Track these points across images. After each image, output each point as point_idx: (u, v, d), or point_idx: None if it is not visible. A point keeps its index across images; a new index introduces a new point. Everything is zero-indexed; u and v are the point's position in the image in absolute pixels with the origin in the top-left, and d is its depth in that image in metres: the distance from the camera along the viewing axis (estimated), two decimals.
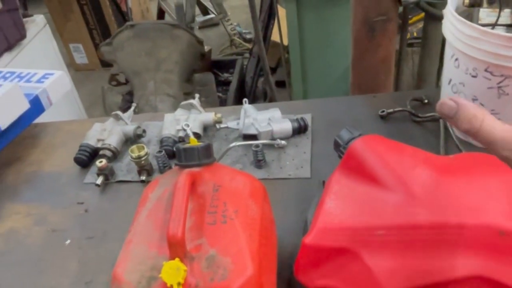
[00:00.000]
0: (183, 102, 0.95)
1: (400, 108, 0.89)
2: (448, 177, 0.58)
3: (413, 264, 0.52)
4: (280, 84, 2.70)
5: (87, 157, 0.89)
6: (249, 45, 3.08)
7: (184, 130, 0.88)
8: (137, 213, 0.59)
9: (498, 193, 0.54)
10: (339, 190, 0.61)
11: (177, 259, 0.49)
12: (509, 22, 0.74)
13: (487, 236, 0.51)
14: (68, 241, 0.75)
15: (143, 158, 0.83)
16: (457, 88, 0.77)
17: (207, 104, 2.21)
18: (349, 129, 0.67)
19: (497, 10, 0.75)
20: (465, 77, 0.74)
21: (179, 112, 0.94)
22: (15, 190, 0.88)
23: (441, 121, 0.83)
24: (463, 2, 0.79)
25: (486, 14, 0.75)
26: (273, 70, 2.79)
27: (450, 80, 0.79)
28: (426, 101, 0.91)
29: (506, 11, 0.74)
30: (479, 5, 0.77)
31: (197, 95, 0.99)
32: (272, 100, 2.24)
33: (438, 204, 0.55)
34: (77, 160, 0.89)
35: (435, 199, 0.55)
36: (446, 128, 0.83)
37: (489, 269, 0.51)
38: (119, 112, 0.94)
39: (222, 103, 2.36)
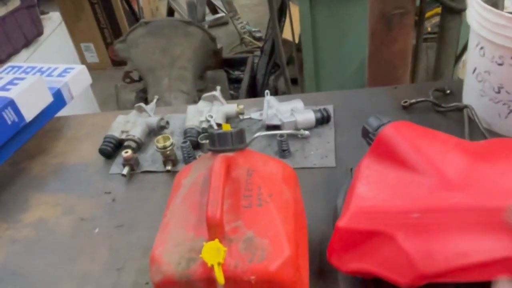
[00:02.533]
0: (206, 94, 0.96)
1: (422, 98, 0.89)
2: (480, 162, 0.58)
3: (450, 246, 0.52)
4: (292, 81, 2.71)
5: (112, 148, 0.90)
6: (259, 44, 3.09)
7: (208, 121, 0.89)
8: (171, 198, 0.60)
9: None
10: (370, 175, 0.61)
11: (216, 239, 0.49)
12: None
13: None
14: (97, 230, 0.76)
15: (169, 148, 0.83)
16: (482, 77, 0.78)
17: None
18: (378, 116, 0.68)
19: None
20: (490, 65, 0.75)
21: (202, 104, 0.95)
22: (42, 181, 0.89)
23: (464, 110, 0.83)
24: None
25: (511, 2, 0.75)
26: None
27: (475, 69, 0.79)
28: (448, 91, 0.91)
29: None
30: None
31: (218, 87, 0.99)
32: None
33: (472, 187, 0.55)
34: (102, 151, 0.90)
35: (469, 182, 0.56)
36: (469, 117, 0.83)
37: None
38: (142, 104, 0.95)
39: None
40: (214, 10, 3.55)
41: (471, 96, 0.84)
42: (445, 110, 0.87)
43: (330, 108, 0.91)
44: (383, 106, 0.92)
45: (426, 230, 0.54)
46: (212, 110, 0.92)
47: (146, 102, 2.07)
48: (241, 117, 0.90)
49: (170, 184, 0.82)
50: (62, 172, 0.90)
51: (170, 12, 3.24)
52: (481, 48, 0.75)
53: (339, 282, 0.62)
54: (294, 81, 2.73)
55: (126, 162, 0.85)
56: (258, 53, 2.97)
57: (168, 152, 0.84)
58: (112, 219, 0.77)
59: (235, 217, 0.53)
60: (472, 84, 0.82)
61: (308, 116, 0.87)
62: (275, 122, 0.87)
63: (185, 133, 0.89)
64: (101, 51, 3.07)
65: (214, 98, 0.95)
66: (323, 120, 0.88)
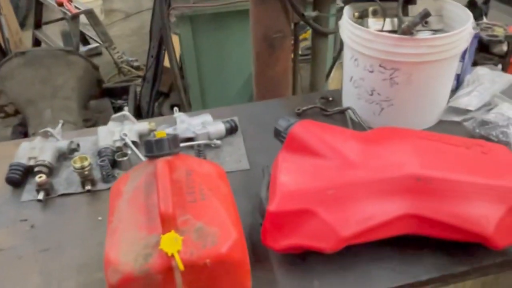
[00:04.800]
0: (115, 115, 0.98)
1: (312, 105, 1.04)
2: (371, 145, 0.73)
3: (359, 212, 0.65)
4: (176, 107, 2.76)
5: (20, 176, 0.87)
6: (138, 72, 3.09)
7: (123, 139, 0.92)
8: (113, 206, 0.63)
9: (409, 152, 0.70)
10: (288, 167, 0.72)
11: (172, 231, 0.54)
12: (390, 29, 0.94)
13: (408, 183, 0.66)
14: (22, 256, 0.73)
15: (87, 168, 0.84)
16: (358, 83, 0.95)
17: None
18: (286, 117, 0.79)
19: (381, 19, 0.94)
20: (363, 73, 0.92)
21: (112, 124, 0.97)
22: None
23: (346, 112, 1.00)
24: (353, 15, 0.97)
25: (373, 23, 0.94)
26: (166, 95, 2.84)
27: (351, 78, 0.96)
28: (330, 98, 1.08)
29: (387, 20, 0.94)
30: (366, 16, 0.96)
31: (126, 107, 1.02)
32: None
33: (369, 165, 0.69)
34: (10, 180, 0.86)
35: (367, 161, 0.69)
36: (351, 118, 1.00)
37: (413, 207, 0.65)
38: (49, 129, 0.94)
39: None
40: (85, 40, 3.45)
41: (350, 100, 1.01)
42: (331, 113, 1.03)
43: (236, 120, 1.01)
44: (280, 114, 1.03)
45: (340, 202, 0.65)
46: (125, 129, 0.94)
47: (26, 135, 1.94)
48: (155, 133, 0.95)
49: (92, 204, 0.84)
50: None
51: (37, 43, 3.07)
52: (355, 59, 0.93)
53: (271, 262, 0.70)
54: (177, 107, 2.80)
55: (40, 187, 0.83)
56: (138, 81, 2.98)
57: (86, 172, 0.84)
58: (35, 245, 0.75)
59: (183, 211, 0.58)
60: (350, 90, 0.99)
61: (219, 127, 0.95)
62: (189, 134, 0.94)
63: (100, 153, 0.90)
64: None
65: (124, 118, 0.97)
66: (232, 130, 0.97)
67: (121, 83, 2.94)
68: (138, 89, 2.67)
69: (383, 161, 0.69)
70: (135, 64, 3.16)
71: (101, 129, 0.96)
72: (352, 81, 0.97)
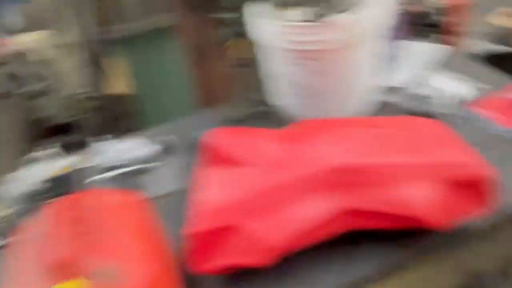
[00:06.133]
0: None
1: (241, 111, 1.00)
2: (296, 143, 0.68)
3: (289, 217, 0.60)
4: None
5: None
6: (86, 104, 2.99)
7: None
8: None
9: (335, 144, 0.66)
10: (204, 181, 0.66)
11: (71, 280, 0.48)
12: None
13: (331, 176, 0.61)
14: None
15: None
16: (278, 78, 0.91)
17: None
18: (196, 129, 0.74)
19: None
20: (280, 67, 0.88)
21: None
22: None
23: (272, 111, 0.96)
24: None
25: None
26: (113, 122, 2.74)
27: (271, 74, 0.93)
28: (260, 101, 1.03)
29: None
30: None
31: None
32: None
33: (293, 163, 0.64)
34: None
35: (291, 161, 0.65)
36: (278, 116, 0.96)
37: (343, 201, 0.61)
38: None
39: None
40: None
41: (277, 97, 0.97)
42: (260, 115, 0.98)
43: (171, 139, 0.93)
44: (214, 125, 0.99)
45: (267, 210, 0.60)
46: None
47: None
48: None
49: None
50: None
51: None
52: (269, 54, 0.89)
53: (208, 285, 0.64)
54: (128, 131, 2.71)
55: None
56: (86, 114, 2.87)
57: None
58: None
59: (86, 253, 0.52)
60: (273, 87, 0.95)
61: (148, 150, 0.90)
62: (114, 163, 0.87)
63: None
64: None
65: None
66: (164, 151, 0.90)
67: (68, 117, 2.83)
68: (84, 122, 2.57)
69: (307, 157, 0.65)
70: (83, 96, 3.06)
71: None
72: (272, 77, 0.93)
